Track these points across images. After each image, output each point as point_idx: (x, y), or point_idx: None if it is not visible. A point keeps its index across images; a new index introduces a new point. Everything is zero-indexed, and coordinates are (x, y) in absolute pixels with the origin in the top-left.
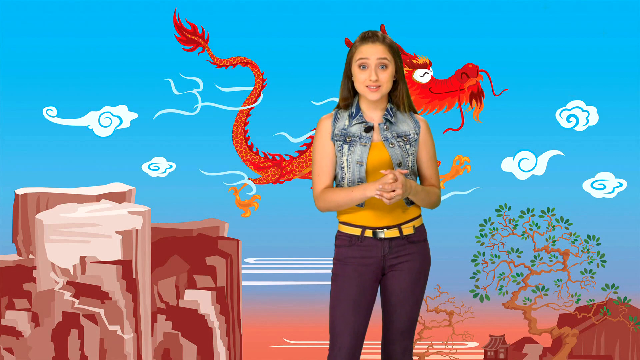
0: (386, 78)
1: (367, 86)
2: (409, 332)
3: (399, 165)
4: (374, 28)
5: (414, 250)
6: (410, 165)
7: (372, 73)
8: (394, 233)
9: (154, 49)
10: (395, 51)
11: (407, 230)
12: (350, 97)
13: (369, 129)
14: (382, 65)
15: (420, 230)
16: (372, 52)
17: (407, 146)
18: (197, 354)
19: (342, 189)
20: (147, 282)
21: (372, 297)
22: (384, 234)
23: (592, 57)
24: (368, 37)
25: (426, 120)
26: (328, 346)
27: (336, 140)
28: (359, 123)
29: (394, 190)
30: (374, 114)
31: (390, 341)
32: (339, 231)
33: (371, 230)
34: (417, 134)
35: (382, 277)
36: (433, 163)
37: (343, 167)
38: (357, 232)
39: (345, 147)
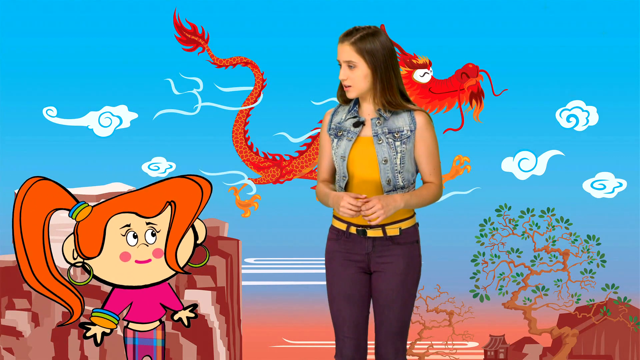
0: (356, 77)
1: (342, 85)
2: (400, 335)
3: (385, 162)
4: None
5: (399, 252)
6: (399, 162)
7: (340, 73)
8: (377, 233)
9: (154, 49)
10: (365, 50)
11: (392, 231)
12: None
13: (357, 123)
14: (350, 66)
15: (409, 232)
16: (340, 53)
17: (397, 143)
18: (197, 354)
19: (326, 189)
20: None
21: (365, 289)
22: (367, 233)
23: (592, 57)
24: (341, 37)
25: (427, 115)
26: (328, 346)
27: (330, 134)
28: (352, 118)
29: (373, 213)
30: (369, 109)
31: (382, 343)
32: (331, 224)
33: (355, 227)
34: (411, 131)
35: (370, 275)
36: (432, 158)
37: (335, 161)
38: (343, 227)
39: (336, 141)
